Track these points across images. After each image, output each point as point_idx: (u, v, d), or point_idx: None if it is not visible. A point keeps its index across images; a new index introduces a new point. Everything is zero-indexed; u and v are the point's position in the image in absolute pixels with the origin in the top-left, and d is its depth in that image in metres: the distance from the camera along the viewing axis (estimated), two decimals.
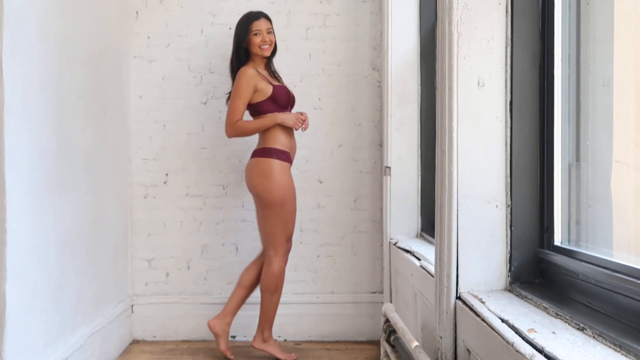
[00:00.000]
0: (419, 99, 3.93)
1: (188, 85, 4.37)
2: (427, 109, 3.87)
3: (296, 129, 3.74)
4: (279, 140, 3.72)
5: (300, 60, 4.38)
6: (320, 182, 4.39)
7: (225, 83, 4.29)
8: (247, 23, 3.79)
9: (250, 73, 3.71)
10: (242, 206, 4.38)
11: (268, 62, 3.89)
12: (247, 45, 3.80)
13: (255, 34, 3.76)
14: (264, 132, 3.75)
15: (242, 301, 3.87)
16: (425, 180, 3.90)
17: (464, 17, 2.16)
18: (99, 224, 3.71)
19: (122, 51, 4.17)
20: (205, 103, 4.36)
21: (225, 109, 4.32)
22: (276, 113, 3.71)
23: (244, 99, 3.70)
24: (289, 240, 3.80)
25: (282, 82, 3.90)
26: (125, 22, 4.26)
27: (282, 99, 3.75)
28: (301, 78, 4.36)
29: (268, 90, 3.73)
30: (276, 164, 3.69)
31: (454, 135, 2.18)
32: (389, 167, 3.95)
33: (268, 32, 3.80)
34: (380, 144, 4.36)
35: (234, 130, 3.71)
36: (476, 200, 2.19)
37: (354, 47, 4.41)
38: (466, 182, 2.18)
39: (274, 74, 3.90)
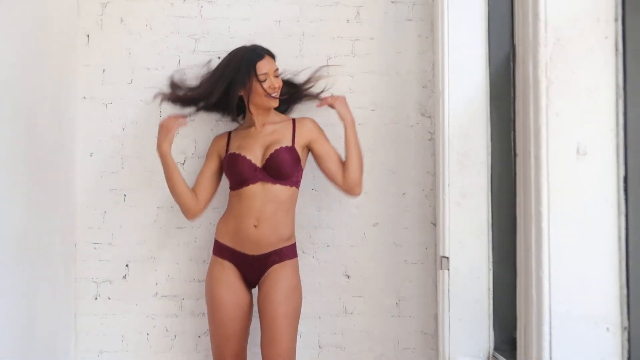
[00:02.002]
0: (489, 160, 3.91)
1: None
2: (501, 174, 3.84)
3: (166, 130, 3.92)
4: (225, 225, 4.01)
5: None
6: (348, 277, 4.35)
7: (212, 135, 4.30)
8: (250, 64, 3.91)
9: (214, 140, 4.19)
10: None
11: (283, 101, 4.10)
12: (248, 93, 3.93)
13: (262, 80, 3.91)
14: (226, 211, 4.07)
15: None
16: (500, 277, 3.85)
17: (555, 56, 2.16)
18: (30, 338, 3.67)
19: (65, 91, 4.21)
20: (183, 163, 4.38)
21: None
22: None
23: (204, 166, 4.11)
24: None
25: (283, 141, 3.95)
26: (70, 51, 4.31)
27: (230, 171, 3.98)
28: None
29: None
30: (211, 260, 4.03)
31: (544, 225, 2.15)
32: (447, 258, 3.91)
33: (276, 75, 3.95)
34: (433, 223, 4.34)
35: None
36: (577, 320, 2.15)
37: (395, 84, 4.44)
38: (562, 294, 2.15)
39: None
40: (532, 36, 2.19)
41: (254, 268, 3.89)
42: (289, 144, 3.91)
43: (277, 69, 3.95)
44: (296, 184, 3.94)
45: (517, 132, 2.27)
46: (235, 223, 3.91)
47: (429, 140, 4.40)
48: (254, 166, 3.87)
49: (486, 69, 3.94)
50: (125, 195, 4.38)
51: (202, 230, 4.37)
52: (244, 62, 3.90)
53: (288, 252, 3.90)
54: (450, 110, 3.93)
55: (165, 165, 3.92)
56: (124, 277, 4.37)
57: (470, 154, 3.92)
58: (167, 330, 4.36)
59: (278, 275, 3.84)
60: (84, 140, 4.38)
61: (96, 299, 4.35)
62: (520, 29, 2.29)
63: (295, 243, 3.98)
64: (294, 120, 4.03)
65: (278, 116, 4.07)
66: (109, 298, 4.36)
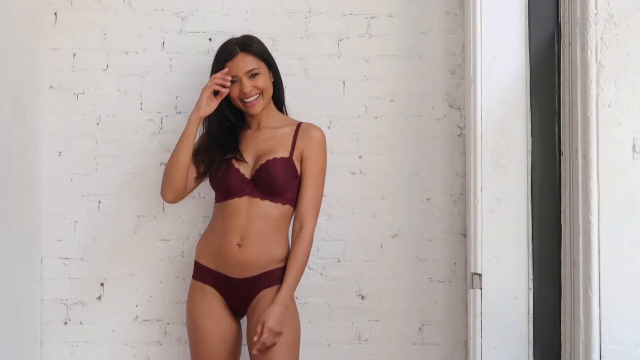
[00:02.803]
0: (529, 160, 3.90)
1: (140, 135, 4.42)
2: (543, 176, 3.83)
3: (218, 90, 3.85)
4: (205, 244, 4.00)
5: (328, 91, 4.43)
6: (362, 298, 4.36)
7: (201, 131, 4.28)
8: (218, 65, 3.88)
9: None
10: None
11: (275, 102, 4.02)
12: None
13: (231, 82, 3.84)
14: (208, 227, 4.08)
15: None
16: (541, 296, 3.84)
17: (607, 36, 2.16)
18: None
19: (28, 79, 4.22)
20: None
21: None
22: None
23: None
24: None
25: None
26: (34, 32, 4.31)
27: (213, 181, 3.96)
28: (329, 122, 4.38)
29: None
30: (191, 285, 4.03)
31: (593, 236, 2.16)
32: (479, 274, 3.91)
33: (251, 76, 3.84)
34: (463, 234, 4.35)
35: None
36: (632, 347, 2.16)
37: (417, 69, 4.45)
38: (613, 317, 2.16)
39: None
40: (580, 12, 2.19)
41: (240, 293, 3.86)
42: (286, 154, 3.87)
43: (252, 69, 3.83)
44: (291, 201, 3.89)
45: (562, 127, 2.27)
46: (217, 241, 3.88)
47: (458, 136, 4.41)
48: (241, 177, 3.85)
49: (526, 52, 3.94)
50: (99, 202, 4.39)
51: (190, 243, 4.36)
52: (215, 63, 3.90)
53: (281, 275, 3.85)
54: (483, 100, 3.94)
55: (188, 132, 3.87)
56: (99, 298, 4.38)
57: (507, 153, 3.92)
58: None
59: (269, 301, 3.78)
60: (50, 137, 4.39)
61: (66, 323, 4.36)
62: (566, 4, 2.28)
63: None
64: (299, 125, 3.99)
65: (282, 119, 4.03)
66: (80, 323, 4.36)
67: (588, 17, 2.13)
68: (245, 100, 3.82)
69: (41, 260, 4.35)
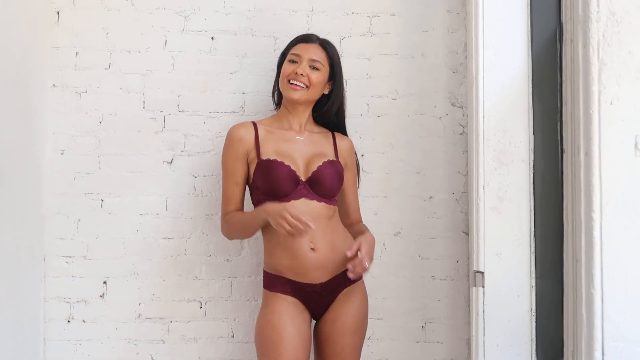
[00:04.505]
0: (532, 158, 3.90)
1: (142, 133, 4.43)
2: (545, 173, 3.84)
3: (292, 235, 3.66)
4: (273, 256, 3.87)
5: None
6: None
7: (205, 129, 4.32)
8: (291, 43, 4.00)
9: (236, 133, 3.96)
10: (232, 336, 4.35)
11: (321, 114, 4.06)
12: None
13: (291, 61, 3.93)
14: (266, 238, 3.94)
15: None
16: (544, 294, 3.84)
17: (609, 34, 2.17)
18: None
19: (31, 78, 4.22)
20: (170, 162, 4.41)
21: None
22: (266, 204, 3.78)
23: (232, 175, 3.92)
24: None
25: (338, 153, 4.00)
26: (37, 31, 4.31)
27: (266, 182, 3.83)
28: None
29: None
30: (264, 295, 3.93)
31: (596, 233, 2.16)
32: (482, 272, 3.91)
33: (312, 66, 3.89)
34: (465, 232, 4.37)
35: (223, 227, 4.00)
36: (634, 344, 2.16)
37: (420, 68, 4.46)
38: (615, 313, 2.16)
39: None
40: (582, 10, 2.20)
41: (323, 297, 3.85)
42: (333, 157, 3.94)
43: (317, 61, 3.89)
44: (336, 202, 3.94)
45: (564, 124, 2.29)
46: (287, 252, 3.80)
47: (461, 134, 4.43)
48: (297, 178, 3.81)
49: (528, 50, 3.94)
50: (102, 200, 4.40)
51: (193, 241, 4.38)
52: (289, 43, 4.01)
53: None
54: (485, 99, 3.93)
55: (256, 222, 3.86)
56: (102, 296, 4.38)
57: (509, 151, 3.92)
58: (152, 359, 4.38)
59: (349, 300, 3.85)
60: (53, 136, 4.39)
61: (69, 321, 4.36)
62: (567, 2, 2.30)
63: None
64: (333, 133, 4.06)
65: (316, 125, 4.09)
66: (83, 321, 4.37)
67: (590, 14, 2.15)
68: (292, 81, 3.86)
69: (44, 259, 4.35)
